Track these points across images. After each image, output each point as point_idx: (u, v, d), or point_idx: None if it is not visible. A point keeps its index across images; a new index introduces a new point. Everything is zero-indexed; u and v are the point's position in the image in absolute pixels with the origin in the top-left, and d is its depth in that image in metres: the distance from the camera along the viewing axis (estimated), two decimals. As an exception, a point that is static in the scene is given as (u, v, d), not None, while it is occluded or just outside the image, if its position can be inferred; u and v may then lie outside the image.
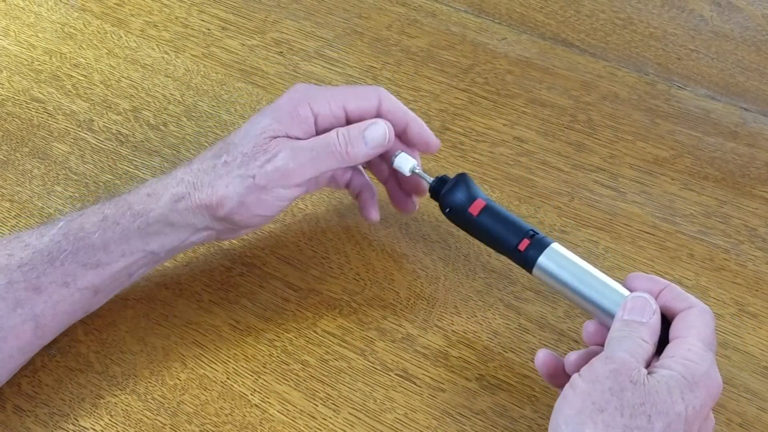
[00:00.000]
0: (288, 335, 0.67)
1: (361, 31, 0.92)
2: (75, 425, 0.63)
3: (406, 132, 0.67)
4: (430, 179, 0.67)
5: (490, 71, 0.88)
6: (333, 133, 0.64)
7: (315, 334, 0.68)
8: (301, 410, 0.63)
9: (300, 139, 0.63)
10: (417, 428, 0.62)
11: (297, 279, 0.71)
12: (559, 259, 0.61)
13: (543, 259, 0.61)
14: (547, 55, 0.89)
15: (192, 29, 0.93)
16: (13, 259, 0.60)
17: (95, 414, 0.63)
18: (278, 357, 0.66)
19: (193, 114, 0.84)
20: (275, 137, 0.63)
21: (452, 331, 0.68)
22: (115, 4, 0.96)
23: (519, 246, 0.62)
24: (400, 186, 0.71)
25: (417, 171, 0.67)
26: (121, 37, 0.92)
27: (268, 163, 0.62)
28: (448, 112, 0.84)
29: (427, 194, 0.67)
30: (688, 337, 0.54)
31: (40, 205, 0.76)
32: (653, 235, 0.74)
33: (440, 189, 0.66)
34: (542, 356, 0.59)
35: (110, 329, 0.68)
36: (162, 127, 0.83)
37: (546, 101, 0.85)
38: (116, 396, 0.64)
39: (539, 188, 0.77)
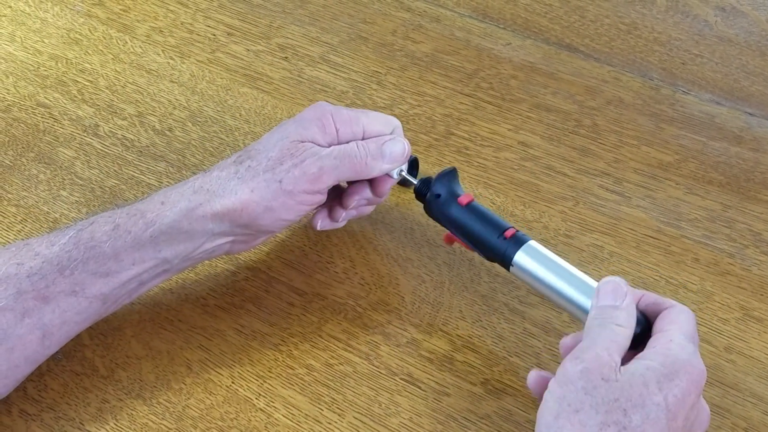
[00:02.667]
0: (293, 340, 0.68)
1: (365, 36, 0.92)
2: (80, 429, 0.63)
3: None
4: (415, 181, 0.69)
5: (495, 76, 0.88)
6: (353, 144, 0.65)
7: (320, 339, 0.68)
8: (306, 414, 0.63)
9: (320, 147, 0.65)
10: (422, 432, 0.62)
11: (302, 283, 0.71)
12: (537, 255, 0.62)
13: (523, 252, 0.62)
14: (552, 60, 0.90)
15: (197, 35, 0.93)
16: (22, 268, 0.60)
17: (100, 418, 0.63)
18: (283, 361, 0.66)
19: (199, 119, 0.84)
20: (302, 142, 0.64)
21: (457, 335, 0.68)
22: (120, 9, 0.96)
23: (505, 233, 0.63)
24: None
25: (404, 174, 0.69)
26: (126, 42, 0.92)
27: (295, 168, 0.63)
28: (452, 117, 0.84)
29: (386, 197, 0.71)
30: (669, 330, 0.55)
31: (46, 210, 0.76)
32: (658, 239, 0.74)
33: (425, 189, 0.68)
34: (534, 377, 0.58)
35: (115, 333, 0.68)
36: (167, 132, 0.83)
37: (550, 106, 0.85)
38: (121, 400, 0.64)
39: (544, 193, 0.77)
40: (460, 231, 0.66)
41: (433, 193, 0.67)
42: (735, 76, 0.88)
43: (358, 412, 0.63)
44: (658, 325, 0.56)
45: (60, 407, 0.64)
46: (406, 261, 0.72)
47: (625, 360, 0.55)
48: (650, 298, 0.58)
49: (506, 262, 0.63)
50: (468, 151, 0.81)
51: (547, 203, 0.77)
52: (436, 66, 0.89)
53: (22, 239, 0.72)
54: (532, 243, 0.63)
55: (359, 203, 0.70)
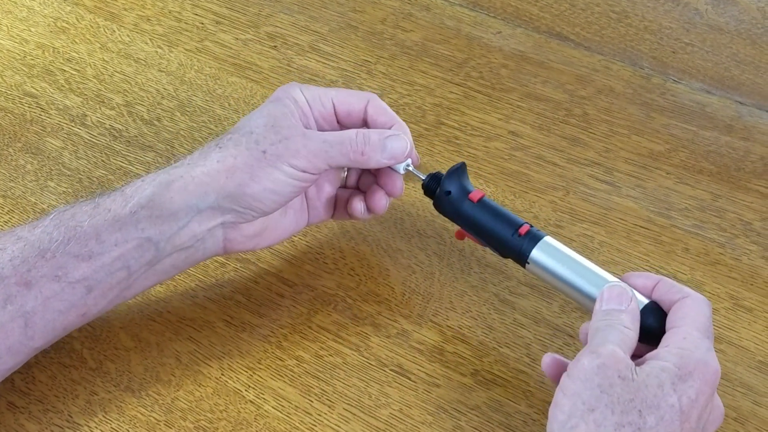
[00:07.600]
0: (282, 331, 0.67)
1: (355, 25, 0.92)
2: (69, 422, 0.62)
3: None
4: (423, 176, 0.67)
5: (485, 65, 0.88)
6: (352, 131, 0.63)
7: (310, 330, 0.67)
8: (296, 406, 0.63)
9: (302, 125, 0.63)
10: (412, 423, 0.62)
11: (291, 274, 0.71)
12: (553, 251, 0.61)
13: (539, 249, 0.61)
14: (542, 49, 0.89)
15: (185, 23, 0.92)
16: (5, 253, 0.59)
17: (89, 410, 0.63)
18: (273, 353, 0.66)
19: (187, 109, 0.84)
20: (284, 119, 0.62)
21: (447, 326, 0.68)
22: (108, -2, 0.95)
23: (519, 230, 0.62)
24: (369, 185, 0.69)
25: (410, 168, 0.67)
26: (114, 31, 0.91)
27: (279, 143, 0.61)
28: (442, 106, 0.84)
29: (400, 194, 0.67)
30: (682, 326, 0.54)
31: (34, 200, 0.76)
32: (648, 229, 0.74)
33: (434, 185, 0.66)
34: (549, 360, 0.58)
35: (104, 325, 0.67)
36: (156, 122, 0.83)
37: (541, 95, 0.85)
38: (110, 392, 0.64)
39: (534, 183, 0.77)
40: (473, 228, 0.65)
41: (443, 190, 0.65)
42: (726, 65, 0.87)
43: (348, 404, 0.63)
44: (671, 320, 0.55)
45: (48, 399, 0.64)
46: (396, 252, 0.72)
47: (640, 354, 0.55)
48: (666, 284, 0.58)
49: (522, 259, 0.62)
50: (458, 141, 0.81)
51: (538, 193, 0.76)
52: (426, 55, 0.89)
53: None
54: (548, 239, 0.62)
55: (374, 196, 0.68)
